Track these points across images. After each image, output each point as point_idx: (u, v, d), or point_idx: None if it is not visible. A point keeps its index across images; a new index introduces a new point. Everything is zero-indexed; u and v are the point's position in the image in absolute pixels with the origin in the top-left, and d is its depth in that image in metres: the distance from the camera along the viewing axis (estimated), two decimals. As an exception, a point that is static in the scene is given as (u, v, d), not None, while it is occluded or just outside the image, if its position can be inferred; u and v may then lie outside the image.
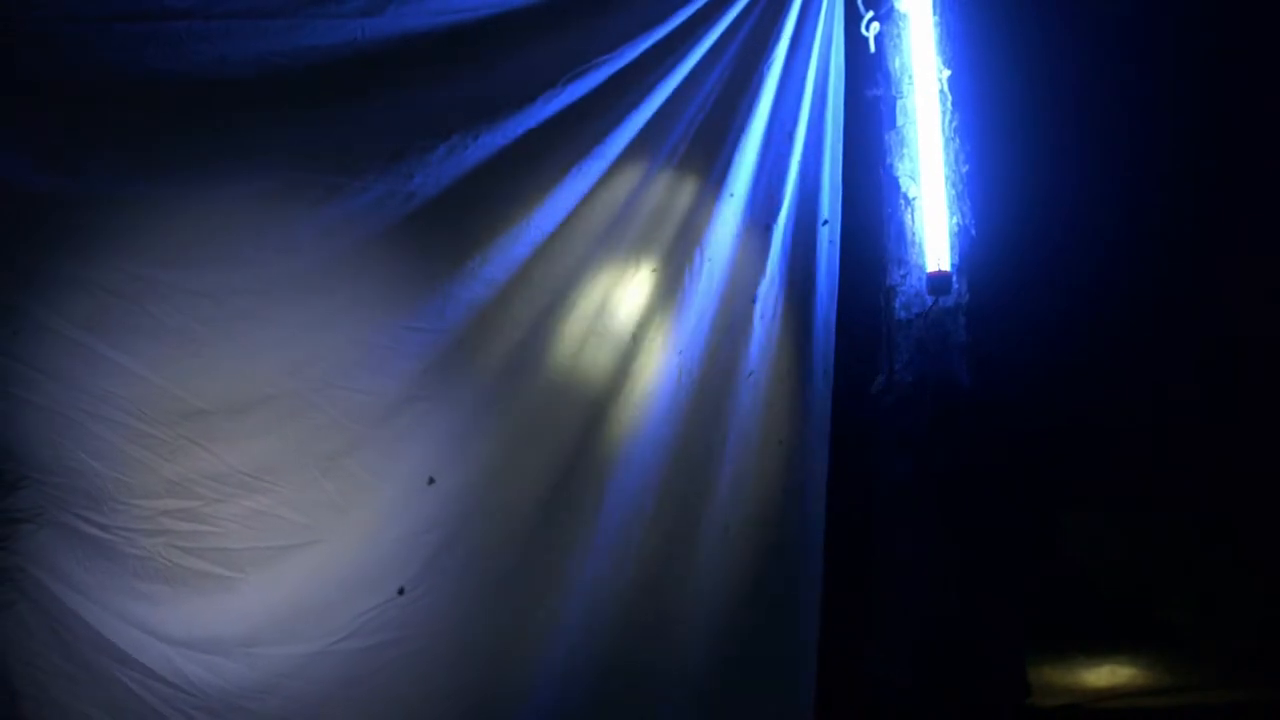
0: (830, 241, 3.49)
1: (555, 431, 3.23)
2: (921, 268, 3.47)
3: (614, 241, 3.31)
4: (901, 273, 3.52)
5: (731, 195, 3.41)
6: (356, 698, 2.97)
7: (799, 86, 3.46)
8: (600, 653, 3.18)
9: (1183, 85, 3.33)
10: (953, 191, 3.48)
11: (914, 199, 3.51)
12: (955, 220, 3.48)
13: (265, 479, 2.94)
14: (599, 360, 3.30)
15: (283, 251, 2.99)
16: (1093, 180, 3.37)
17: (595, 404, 3.28)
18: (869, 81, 3.58)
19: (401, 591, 3.01)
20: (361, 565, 3.02)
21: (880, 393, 3.53)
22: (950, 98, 3.50)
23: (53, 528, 2.78)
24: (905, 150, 3.53)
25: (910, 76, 3.51)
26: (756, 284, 3.42)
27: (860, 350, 3.54)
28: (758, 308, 3.42)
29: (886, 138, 3.58)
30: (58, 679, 2.77)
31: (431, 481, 3.07)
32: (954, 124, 3.51)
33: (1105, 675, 3.36)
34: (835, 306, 3.47)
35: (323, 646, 2.96)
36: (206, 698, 2.88)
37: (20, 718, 2.75)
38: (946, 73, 3.49)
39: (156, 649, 2.86)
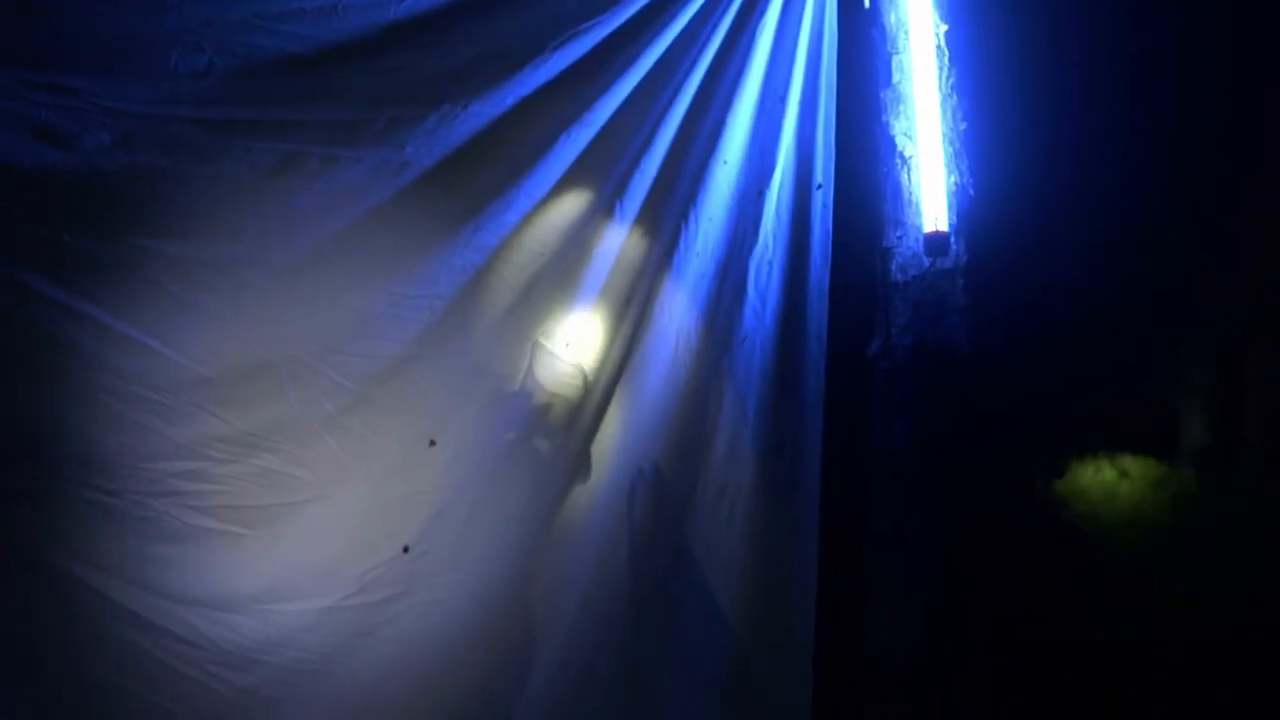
0: (824, 205, 3.46)
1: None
2: (918, 228, 3.42)
3: (606, 207, 3.32)
4: (898, 234, 3.47)
5: (725, 162, 3.40)
6: (368, 649, 3.05)
7: (791, 47, 3.42)
8: (606, 605, 3.26)
9: (1192, 36, 3.17)
10: (950, 150, 3.41)
11: (910, 158, 3.44)
12: (953, 179, 3.41)
13: (271, 439, 3.00)
14: (595, 324, 3.34)
15: (282, 222, 3.03)
16: (1095, 136, 3.23)
17: (592, 368, 3.32)
18: (863, 38, 3.50)
19: (406, 550, 3.09)
20: (367, 523, 3.09)
21: (877, 356, 3.49)
22: (947, 53, 3.42)
23: (52, 499, 2.76)
24: (901, 108, 3.46)
25: (906, 31, 3.43)
26: (751, 249, 3.42)
27: (856, 314, 3.50)
28: (752, 273, 3.42)
29: (882, 95, 3.50)
30: (71, 647, 2.77)
31: (432, 444, 3.15)
32: (951, 80, 3.42)
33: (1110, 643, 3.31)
34: (829, 270, 3.45)
35: (334, 602, 3.04)
36: (222, 653, 2.93)
37: (37, 689, 2.74)
38: (944, 27, 3.41)
39: (170, 609, 2.89)
